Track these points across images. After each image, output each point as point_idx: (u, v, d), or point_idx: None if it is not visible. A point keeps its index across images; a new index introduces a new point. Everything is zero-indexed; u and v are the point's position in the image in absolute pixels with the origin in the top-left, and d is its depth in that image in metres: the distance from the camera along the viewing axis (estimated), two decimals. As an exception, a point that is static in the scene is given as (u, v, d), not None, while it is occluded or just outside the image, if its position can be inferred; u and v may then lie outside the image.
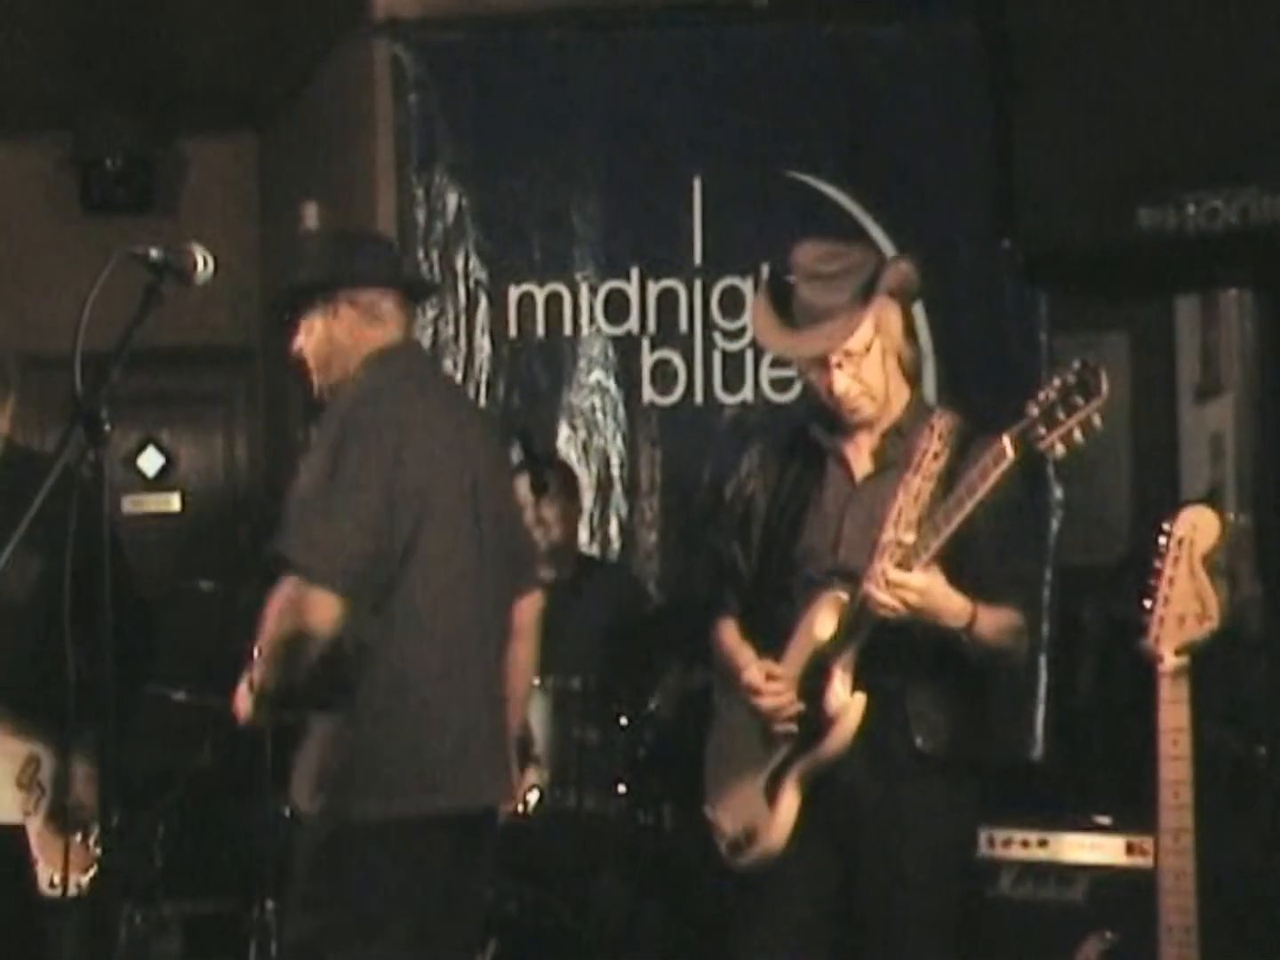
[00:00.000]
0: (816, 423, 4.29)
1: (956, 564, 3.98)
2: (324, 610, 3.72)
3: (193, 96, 8.39)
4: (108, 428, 3.02)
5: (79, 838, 3.89)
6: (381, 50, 7.00)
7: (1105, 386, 3.69)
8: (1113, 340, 6.70)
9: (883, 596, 3.92)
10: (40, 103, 8.06)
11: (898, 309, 4.19)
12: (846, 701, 4.02)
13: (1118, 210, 3.53)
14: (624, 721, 5.41)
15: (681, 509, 6.80)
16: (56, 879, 3.92)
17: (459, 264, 6.90)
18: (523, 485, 6.09)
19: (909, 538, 3.95)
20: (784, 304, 4.20)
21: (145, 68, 8.04)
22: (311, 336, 4.07)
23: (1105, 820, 4.74)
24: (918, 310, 4.66)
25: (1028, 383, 6.45)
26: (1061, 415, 3.72)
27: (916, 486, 4.05)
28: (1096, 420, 3.71)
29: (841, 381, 4.12)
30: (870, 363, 4.13)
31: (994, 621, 4.03)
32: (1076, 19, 3.96)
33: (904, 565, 3.92)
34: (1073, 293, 3.76)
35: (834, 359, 4.11)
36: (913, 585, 3.91)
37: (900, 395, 4.23)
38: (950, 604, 3.96)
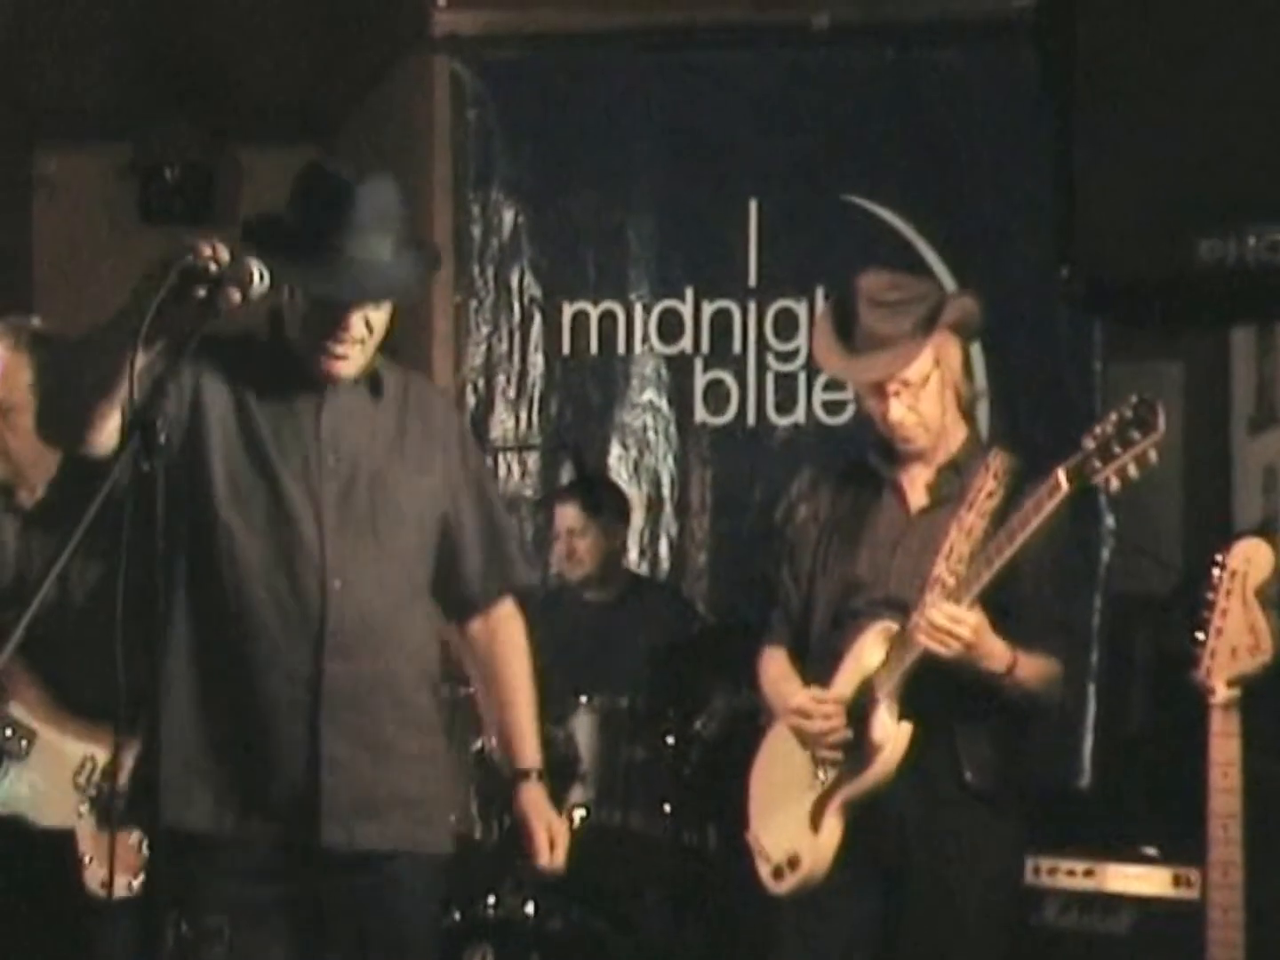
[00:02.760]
0: (874, 451, 4.29)
1: (1002, 604, 3.97)
2: None
3: (252, 108, 8.41)
4: (162, 438, 3.02)
5: (131, 838, 3.91)
6: (441, 66, 7.04)
7: (1162, 422, 3.68)
8: (1168, 370, 6.69)
9: (935, 632, 3.91)
10: (100, 112, 8.10)
11: (959, 344, 4.19)
12: (893, 731, 4.01)
13: (1178, 241, 3.52)
14: (670, 741, 5.40)
15: (732, 530, 6.81)
16: (107, 880, 3.94)
17: (514, 281, 6.93)
18: (574, 505, 6.11)
19: (960, 570, 3.94)
20: (846, 328, 4.20)
21: (205, 78, 8.07)
22: None
23: (1152, 851, 4.71)
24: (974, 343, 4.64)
25: (1081, 411, 6.49)
26: (1117, 449, 3.71)
27: (970, 523, 4.03)
28: (1152, 455, 3.70)
29: (897, 410, 4.12)
30: (927, 394, 4.12)
31: (1034, 669, 4.02)
32: (1140, 47, 3.95)
33: (953, 600, 3.92)
34: (1130, 323, 3.75)
35: (891, 387, 4.11)
36: (967, 620, 3.90)
37: (957, 431, 4.22)
38: (995, 648, 3.95)
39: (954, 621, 3.89)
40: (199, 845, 3.36)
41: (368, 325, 3.44)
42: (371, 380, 3.57)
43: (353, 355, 3.47)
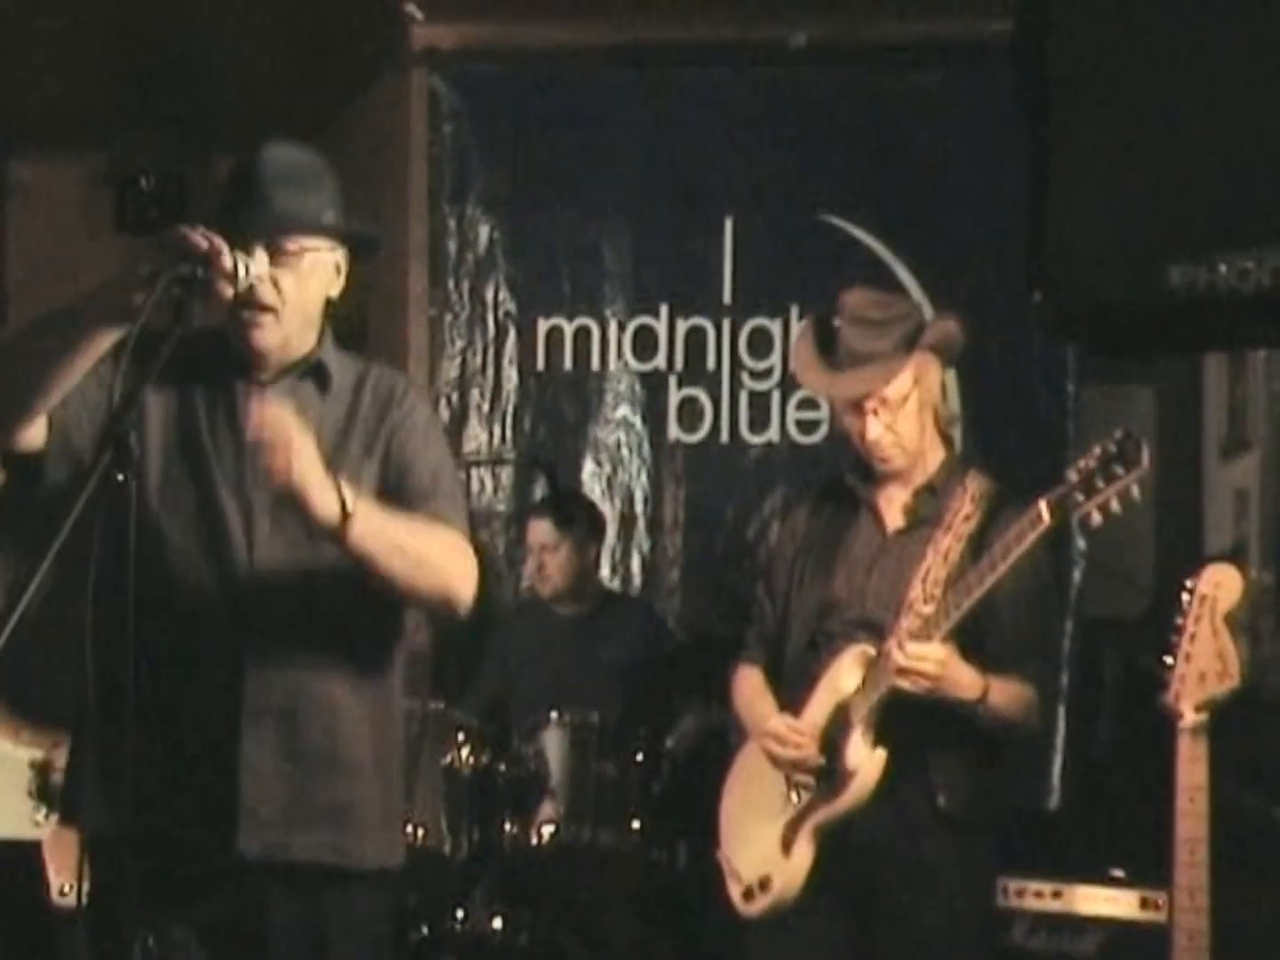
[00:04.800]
0: (851, 470, 4.30)
1: (978, 631, 3.98)
2: None
3: (229, 118, 8.41)
4: (136, 451, 3.02)
5: None
6: (418, 80, 7.05)
7: (1146, 457, 3.70)
8: (1140, 394, 6.70)
9: (901, 673, 3.92)
10: (76, 120, 8.09)
11: (938, 367, 4.21)
12: (866, 756, 4.02)
13: (1149, 267, 3.51)
14: (640, 758, 5.41)
15: (704, 547, 6.81)
16: (68, 887, 3.92)
17: (489, 295, 6.93)
18: (547, 520, 6.12)
19: (929, 608, 3.95)
20: (827, 344, 4.21)
21: (182, 88, 8.07)
22: None
23: (1120, 873, 4.72)
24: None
25: (1054, 434, 6.52)
26: (1100, 484, 3.73)
27: (946, 546, 4.05)
28: (1135, 491, 3.72)
29: (875, 429, 4.13)
30: (905, 414, 4.13)
31: (1007, 695, 4.04)
32: (1113, 72, 3.96)
33: (925, 631, 3.93)
34: (1101, 349, 3.76)
35: (870, 405, 4.12)
36: (932, 657, 3.91)
37: (935, 452, 4.23)
38: (962, 678, 3.96)
39: (919, 659, 3.90)
40: (114, 853, 3.11)
41: (277, 289, 3.29)
42: (316, 371, 3.43)
43: (266, 324, 3.31)
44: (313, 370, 3.43)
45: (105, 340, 3.10)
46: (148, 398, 3.30)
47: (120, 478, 2.95)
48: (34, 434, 3.22)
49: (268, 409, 3.19)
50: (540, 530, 6.12)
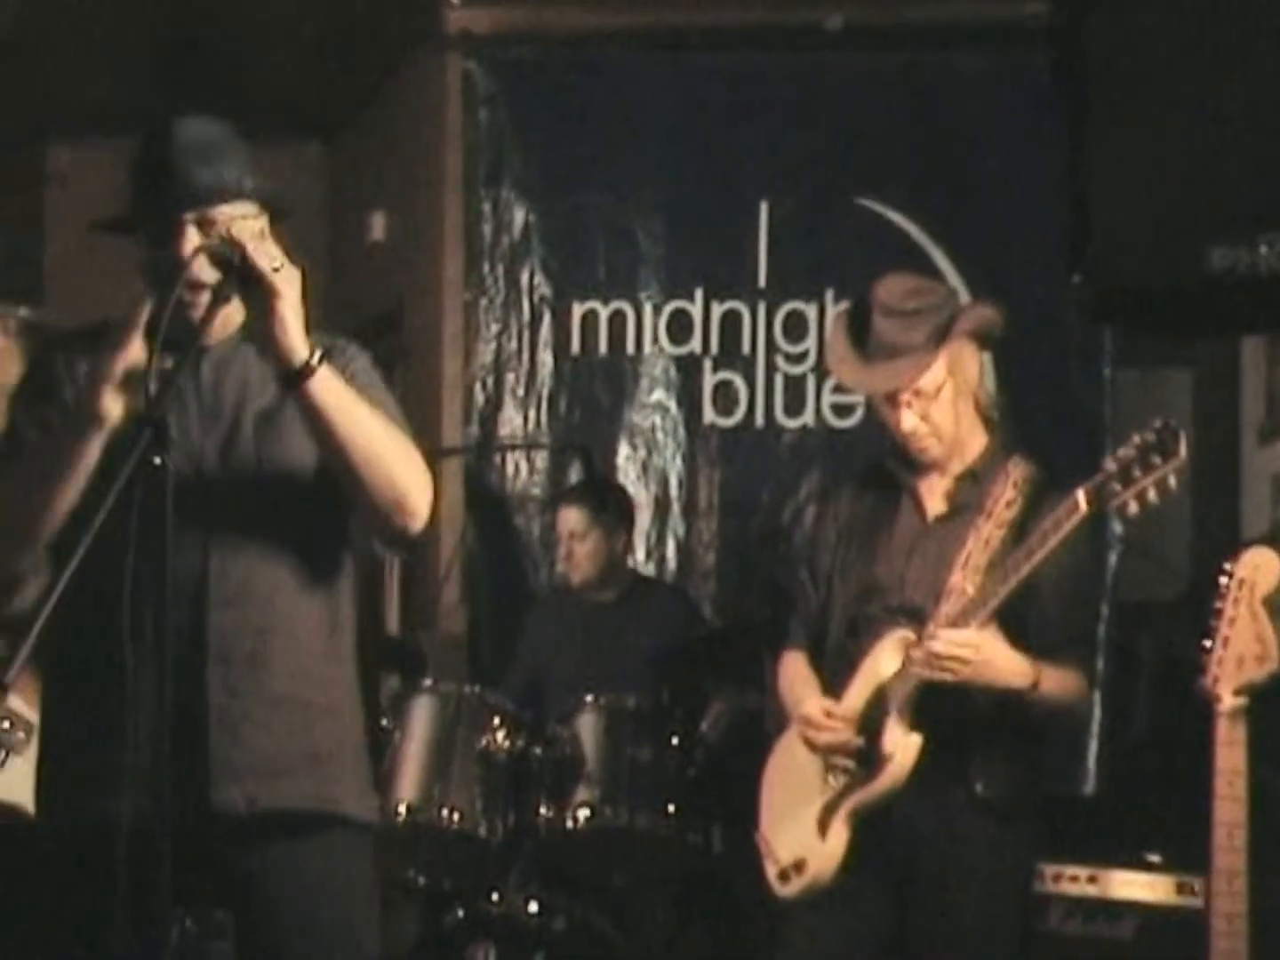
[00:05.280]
0: (892, 457, 4.28)
1: (1021, 620, 3.97)
2: None
3: (262, 105, 8.40)
4: (173, 434, 3.03)
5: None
6: (453, 65, 7.05)
7: (1184, 448, 3.67)
8: (1176, 377, 6.68)
9: (938, 660, 3.92)
10: (111, 106, 8.11)
11: (976, 353, 4.18)
12: (903, 741, 4.01)
13: (1190, 248, 3.51)
14: (676, 742, 5.40)
15: (739, 531, 6.81)
16: None
17: (524, 279, 6.93)
18: (576, 508, 6.11)
19: (976, 580, 3.94)
20: (859, 336, 4.19)
21: (214, 75, 8.08)
22: None
23: (1156, 858, 4.71)
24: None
25: (1090, 417, 6.51)
26: (1138, 474, 3.71)
27: (988, 532, 4.03)
28: (1172, 481, 3.69)
29: (909, 420, 4.11)
30: (940, 404, 4.11)
31: (1058, 681, 4.03)
32: (1152, 54, 3.95)
33: (962, 619, 3.92)
34: (1141, 331, 3.74)
35: (904, 397, 4.10)
36: (967, 644, 3.91)
37: (976, 439, 4.20)
38: (1011, 665, 3.95)
39: (958, 646, 3.90)
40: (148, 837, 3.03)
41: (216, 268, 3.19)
42: (257, 337, 3.31)
43: (205, 299, 3.21)
44: (252, 335, 3.31)
45: (93, 451, 3.11)
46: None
47: (157, 461, 2.97)
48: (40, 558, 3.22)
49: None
50: (570, 518, 6.12)
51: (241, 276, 3.14)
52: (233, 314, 3.28)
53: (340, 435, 3.21)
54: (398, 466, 3.28)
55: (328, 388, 3.18)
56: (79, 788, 3.18)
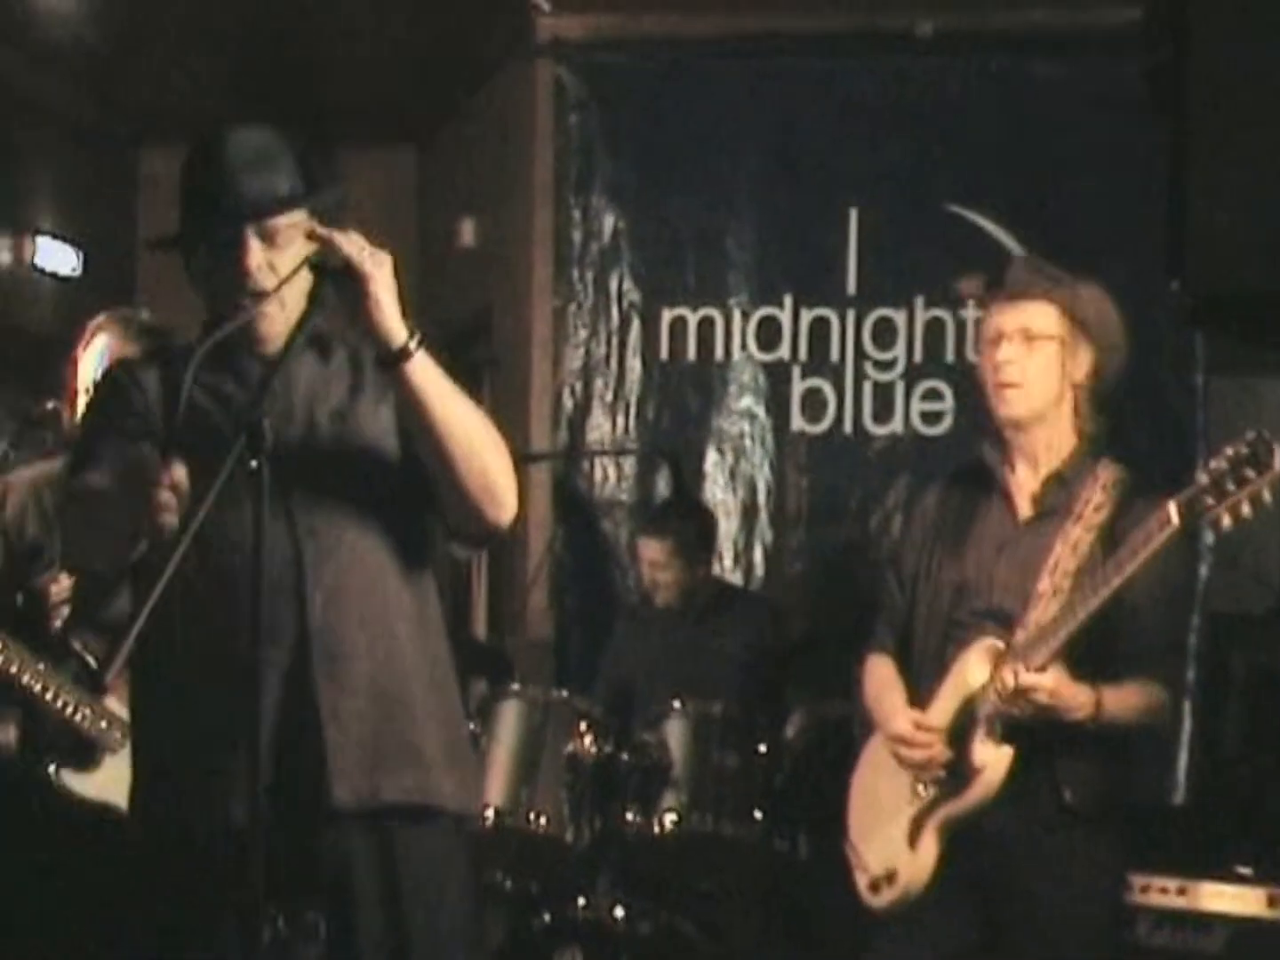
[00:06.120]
0: (989, 442, 4.26)
1: (1111, 632, 3.95)
2: None
3: (353, 109, 8.48)
4: (269, 439, 3.06)
5: None
6: (544, 71, 7.07)
7: (1278, 461, 3.64)
8: (1270, 386, 6.62)
9: (1012, 697, 3.91)
10: (200, 113, 8.18)
11: (1091, 354, 4.17)
12: (993, 753, 3.99)
13: (1291, 256, 3.48)
14: (763, 749, 5.40)
15: (827, 539, 6.80)
16: None
17: (613, 285, 6.95)
18: (656, 540, 6.08)
19: (1064, 586, 3.93)
20: (998, 275, 4.25)
21: (306, 79, 8.14)
22: None
23: (1247, 870, 4.67)
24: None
25: (1183, 425, 6.46)
26: (1231, 486, 3.67)
27: (1076, 536, 4.02)
28: (1266, 495, 3.65)
29: (1005, 351, 4.11)
30: (1039, 357, 4.11)
31: (1125, 703, 4.00)
32: (1254, 57, 3.91)
33: (1054, 629, 3.91)
34: (1241, 338, 3.72)
35: (1008, 330, 4.11)
36: (1044, 686, 3.90)
37: (1067, 438, 4.18)
38: (1073, 700, 3.94)
39: (1031, 690, 3.89)
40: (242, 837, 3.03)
41: (273, 269, 3.25)
42: (319, 342, 3.40)
43: (269, 310, 3.27)
44: (315, 340, 3.38)
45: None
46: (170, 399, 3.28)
47: (254, 464, 3.00)
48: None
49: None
50: (650, 549, 6.10)
51: (334, 270, 3.17)
52: (291, 319, 3.29)
53: (436, 419, 3.24)
54: (489, 455, 3.31)
55: (426, 371, 3.22)
56: (177, 787, 3.20)
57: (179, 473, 2.99)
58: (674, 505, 6.43)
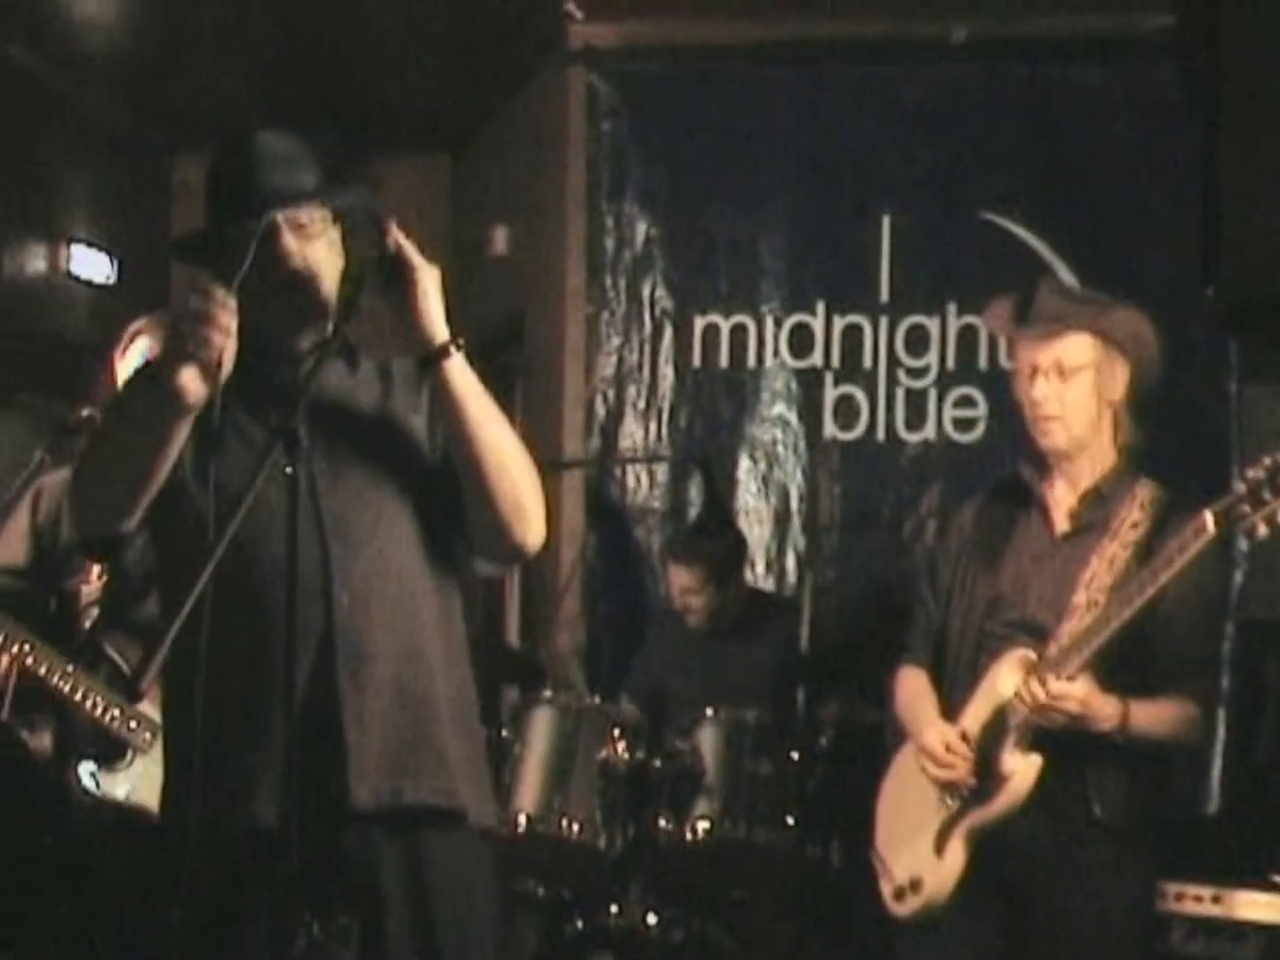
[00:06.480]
0: (1026, 461, 4.26)
1: (1144, 646, 3.95)
2: None
3: (387, 117, 8.50)
4: (305, 445, 3.07)
5: None
6: (577, 78, 7.08)
7: None
8: (1306, 394, 6.62)
9: (1040, 707, 3.91)
10: (237, 119, 8.20)
11: (1127, 370, 4.15)
12: (1021, 762, 3.99)
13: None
14: (795, 756, 5.39)
15: (860, 546, 6.79)
16: None
17: (646, 292, 6.95)
18: (686, 567, 6.07)
19: (1099, 600, 3.92)
20: (1024, 309, 4.20)
21: (341, 88, 8.16)
22: None
23: (1281, 879, 4.66)
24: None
25: (1215, 432, 6.44)
26: (1267, 495, 3.67)
27: (1113, 553, 4.01)
28: None
29: (1042, 388, 4.10)
30: (1076, 388, 4.09)
31: (1155, 717, 3.99)
32: (1285, 65, 3.91)
33: (1075, 648, 3.90)
34: (1274, 343, 3.70)
35: (1043, 365, 4.10)
36: (1073, 695, 3.89)
37: (1106, 455, 4.17)
38: (1101, 711, 3.93)
39: (1059, 698, 3.89)
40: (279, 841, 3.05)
41: (306, 260, 3.25)
42: (346, 351, 3.39)
43: (303, 302, 3.28)
44: (343, 349, 3.37)
45: (182, 429, 3.10)
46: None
47: (289, 470, 3.01)
48: (136, 521, 3.21)
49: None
50: (681, 576, 6.09)
51: (385, 258, 3.18)
52: (321, 319, 3.30)
53: (472, 424, 3.25)
54: (521, 473, 3.32)
55: (464, 374, 3.24)
56: (206, 788, 3.20)
57: (215, 295, 3.03)
58: (703, 524, 6.42)
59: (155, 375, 3.09)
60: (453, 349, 3.22)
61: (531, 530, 3.35)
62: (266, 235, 3.24)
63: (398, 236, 3.20)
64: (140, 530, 3.26)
